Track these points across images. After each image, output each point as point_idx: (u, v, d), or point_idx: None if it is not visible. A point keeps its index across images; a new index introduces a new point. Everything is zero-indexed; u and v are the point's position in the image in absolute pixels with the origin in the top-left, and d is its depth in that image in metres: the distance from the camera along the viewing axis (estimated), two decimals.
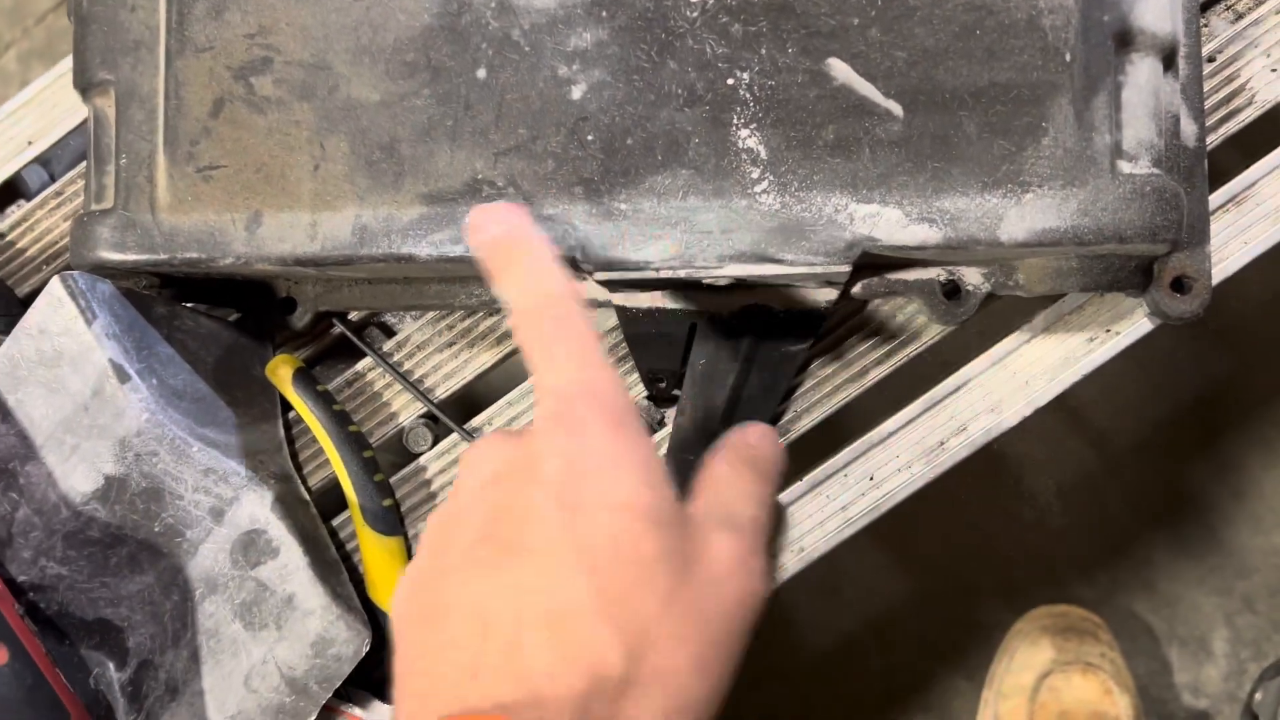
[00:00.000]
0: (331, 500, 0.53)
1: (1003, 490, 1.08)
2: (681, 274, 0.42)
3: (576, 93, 0.44)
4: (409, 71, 0.45)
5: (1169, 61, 0.44)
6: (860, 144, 0.42)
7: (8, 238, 0.56)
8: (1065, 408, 1.07)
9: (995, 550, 1.07)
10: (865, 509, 0.49)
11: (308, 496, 0.52)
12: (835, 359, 0.50)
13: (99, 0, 0.48)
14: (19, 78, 1.30)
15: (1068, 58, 0.41)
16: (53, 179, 0.59)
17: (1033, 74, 0.41)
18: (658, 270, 0.43)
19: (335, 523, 0.53)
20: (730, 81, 0.43)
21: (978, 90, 0.41)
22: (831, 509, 0.49)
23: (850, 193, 0.42)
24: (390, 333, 0.55)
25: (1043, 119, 0.41)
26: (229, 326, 0.52)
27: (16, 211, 0.57)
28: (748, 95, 0.42)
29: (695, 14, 0.43)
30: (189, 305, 0.51)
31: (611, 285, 0.45)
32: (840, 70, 0.42)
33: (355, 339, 0.53)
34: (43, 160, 0.58)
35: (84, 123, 0.56)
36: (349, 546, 0.53)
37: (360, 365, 0.53)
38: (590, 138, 0.44)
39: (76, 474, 0.48)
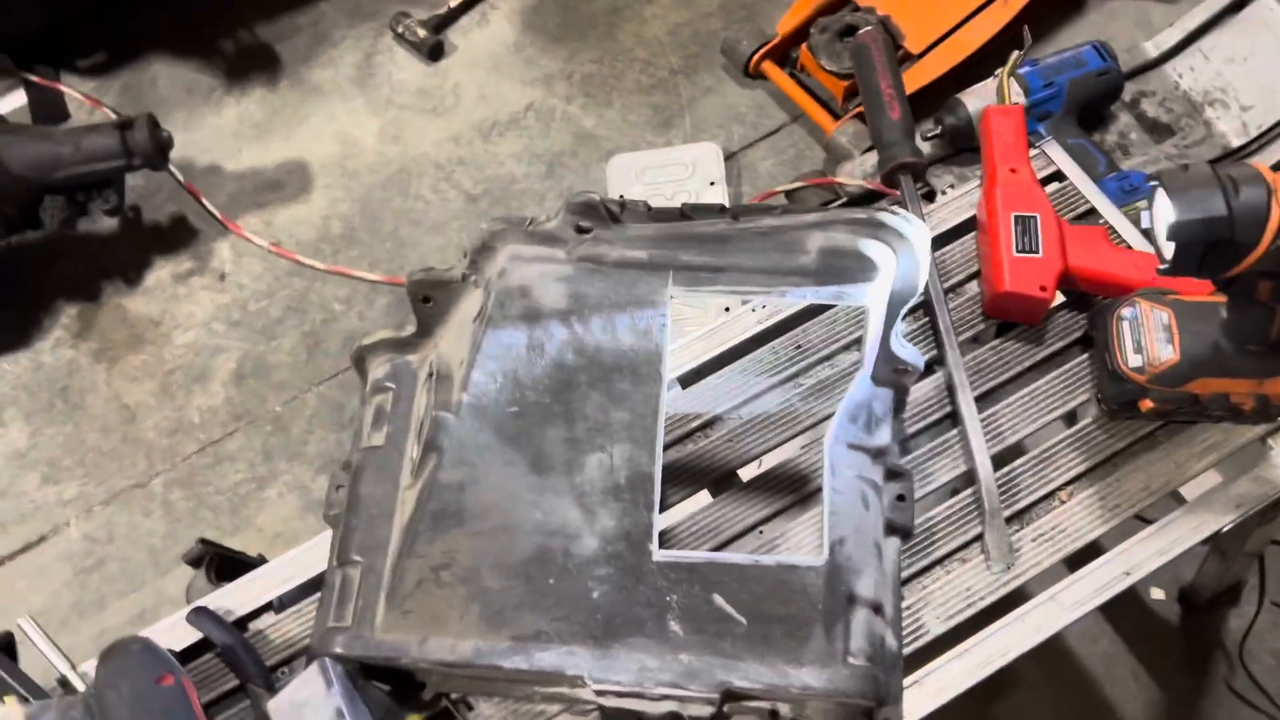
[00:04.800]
0: None
1: None
2: (638, 690, 0.87)
3: (596, 594, 0.91)
4: (516, 575, 0.92)
5: (878, 609, 0.92)
6: (725, 635, 0.89)
7: (264, 632, 1.00)
8: None
9: None
10: None
11: None
12: None
13: (360, 506, 0.95)
14: (161, 498, 1.78)
15: (820, 606, 0.89)
16: (283, 605, 1.04)
17: (805, 611, 0.89)
18: (625, 688, 0.87)
19: None
20: (668, 599, 0.90)
21: (780, 616, 0.89)
22: None
23: (721, 659, 0.88)
24: (470, 708, 0.98)
25: (809, 634, 0.88)
26: (388, 695, 0.95)
27: (270, 617, 1.02)
28: (676, 607, 0.90)
29: (654, 566, 0.91)
30: (373, 681, 0.95)
31: (601, 693, 0.89)
32: (719, 600, 0.90)
33: (452, 708, 0.96)
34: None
35: (319, 579, 1.02)
36: None
37: None
38: (599, 616, 0.90)
39: None
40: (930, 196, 1.82)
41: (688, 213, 0.88)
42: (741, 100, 2.07)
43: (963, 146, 1.82)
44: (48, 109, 2.11)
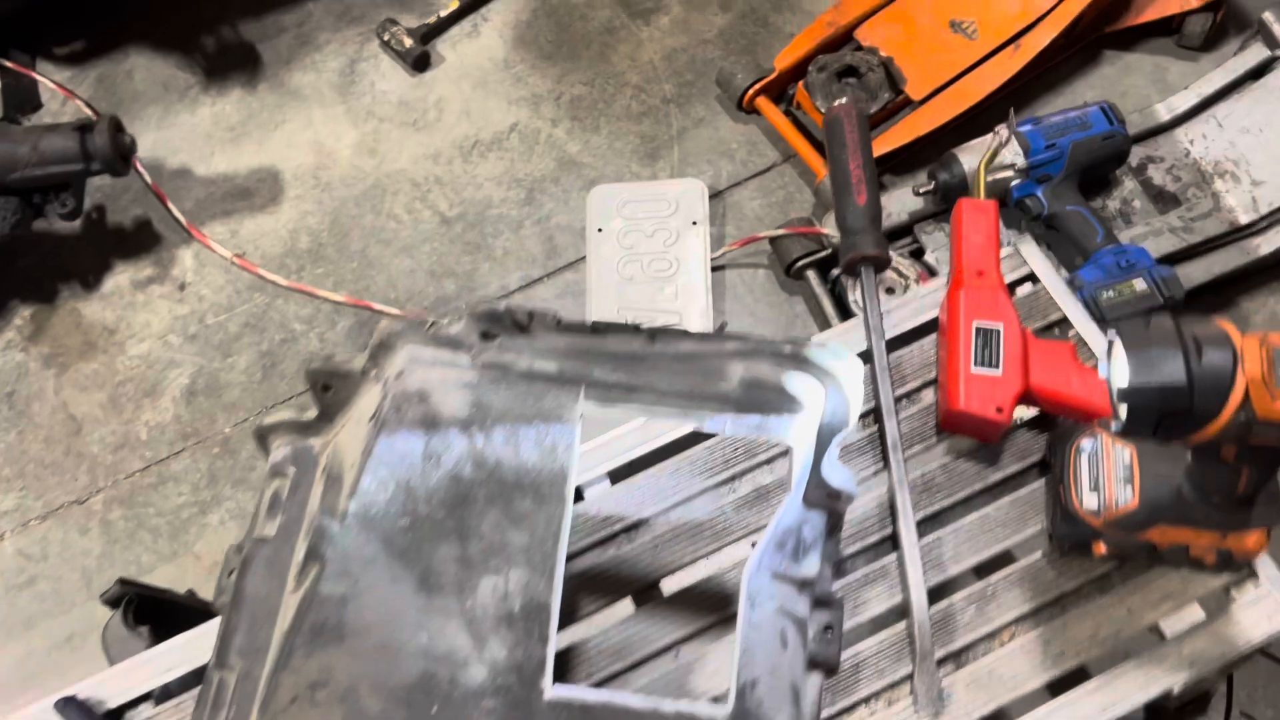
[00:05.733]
0: None
1: None
2: None
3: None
4: (397, 700, 0.85)
5: None
6: None
7: None
8: None
9: None
10: None
11: None
12: None
13: (244, 603, 0.89)
14: (100, 516, 1.72)
15: None
16: (165, 696, 0.98)
17: None
18: None
19: None
20: None
21: None
22: None
23: None
24: None
25: None
26: None
27: (148, 709, 0.95)
28: None
29: (545, 704, 0.84)
30: None
31: None
32: None
33: None
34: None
35: (204, 669, 0.96)
36: None
37: None
38: None
39: None
40: (919, 254, 1.76)
41: (600, 329, 0.81)
42: (734, 135, 1.98)
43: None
44: (20, 96, 2.04)
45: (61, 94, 2.04)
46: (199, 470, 1.75)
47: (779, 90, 1.97)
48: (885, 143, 1.84)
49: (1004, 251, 1.07)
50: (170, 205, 1.93)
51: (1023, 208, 1.71)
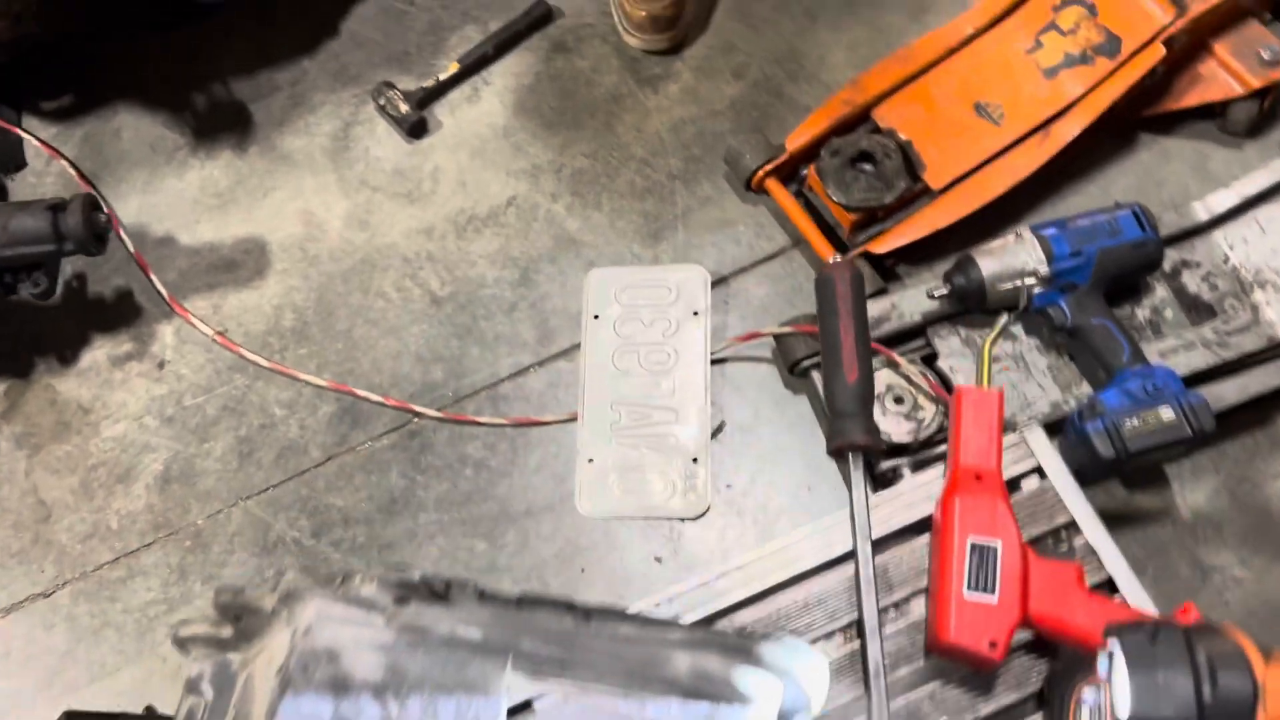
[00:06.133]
0: None
1: None
2: None
3: None
4: None
5: None
6: None
7: None
8: None
9: None
10: None
11: None
12: None
13: None
14: (66, 611, 1.66)
15: None
16: None
17: None
18: None
19: None
20: None
21: None
22: None
23: None
24: None
25: None
26: None
27: None
28: None
29: None
30: None
31: None
32: None
33: None
34: None
35: None
36: None
37: None
38: None
39: None
40: (931, 359, 1.64)
41: (528, 603, 0.72)
42: (741, 216, 1.88)
43: (973, 308, 1.62)
44: (4, 154, 1.98)
45: (46, 153, 1.97)
46: (169, 564, 1.68)
47: (790, 171, 1.86)
48: (899, 236, 1.74)
49: (1008, 439, 0.96)
50: (153, 276, 1.86)
51: (1045, 316, 1.60)
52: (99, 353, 1.83)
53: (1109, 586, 0.93)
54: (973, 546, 0.88)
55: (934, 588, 0.91)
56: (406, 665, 0.71)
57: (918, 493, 0.97)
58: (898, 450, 1.59)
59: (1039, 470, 0.97)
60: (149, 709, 1.50)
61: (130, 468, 1.74)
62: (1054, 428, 1.57)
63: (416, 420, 1.75)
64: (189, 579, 1.67)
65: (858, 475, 0.94)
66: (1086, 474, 1.52)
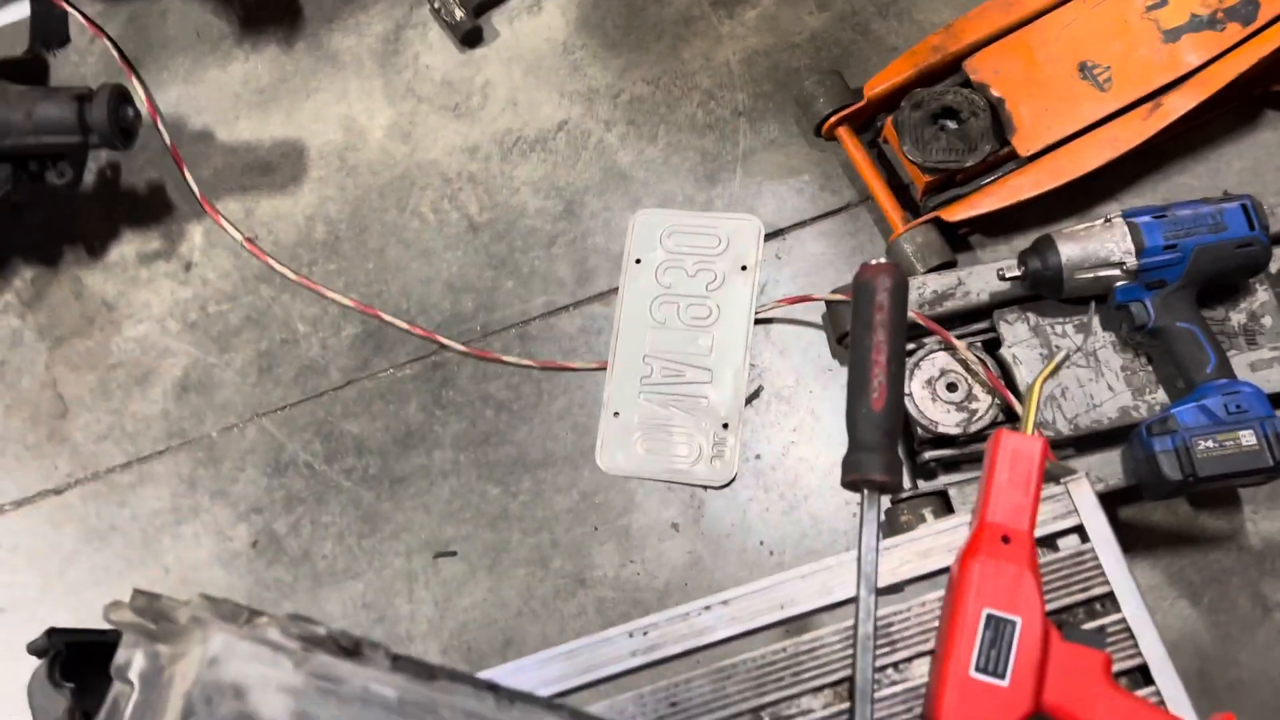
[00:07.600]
0: None
1: None
2: None
3: None
4: None
5: None
6: None
7: None
8: None
9: None
10: None
11: None
12: None
13: None
14: (76, 511, 1.64)
15: None
16: None
17: None
18: None
19: None
20: None
21: None
22: None
23: None
24: None
25: None
26: None
27: None
28: None
29: None
30: None
31: None
32: None
33: None
34: None
35: None
36: None
37: None
38: None
39: None
40: (993, 346, 1.50)
41: (442, 676, 0.63)
42: (807, 164, 1.73)
43: (1047, 294, 1.47)
44: (49, 27, 1.90)
45: (90, 30, 1.89)
46: (179, 475, 1.65)
47: (866, 120, 1.70)
48: (976, 204, 1.58)
49: (1048, 491, 0.85)
50: (187, 173, 1.79)
51: (1125, 312, 1.44)
52: (128, 248, 1.78)
53: (1141, 674, 0.82)
54: (988, 619, 0.77)
55: (939, 655, 0.81)
56: (318, 714, 0.64)
57: (937, 540, 0.86)
58: (944, 441, 1.47)
59: (1080, 530, 0.85)
60: None
61: (149, 371, 1.70)
62: (1119, 435, 1.44)
63: (441, 352, 1.67)
64: (197, 492, 1.63)
65: (870, 516, 0.83)
66: (1148, 490, 1.39)
